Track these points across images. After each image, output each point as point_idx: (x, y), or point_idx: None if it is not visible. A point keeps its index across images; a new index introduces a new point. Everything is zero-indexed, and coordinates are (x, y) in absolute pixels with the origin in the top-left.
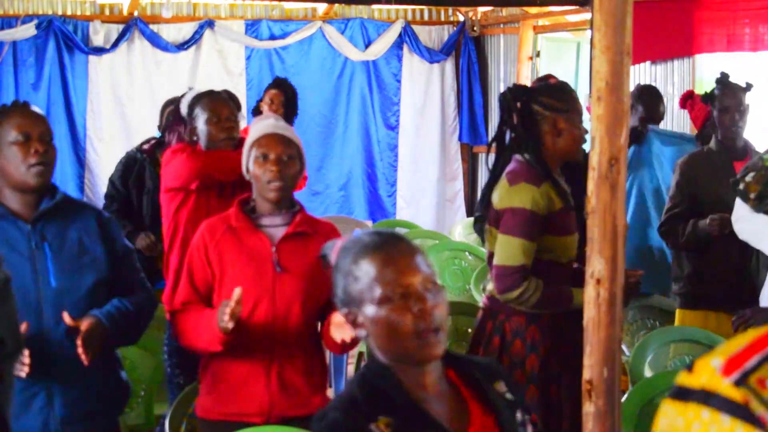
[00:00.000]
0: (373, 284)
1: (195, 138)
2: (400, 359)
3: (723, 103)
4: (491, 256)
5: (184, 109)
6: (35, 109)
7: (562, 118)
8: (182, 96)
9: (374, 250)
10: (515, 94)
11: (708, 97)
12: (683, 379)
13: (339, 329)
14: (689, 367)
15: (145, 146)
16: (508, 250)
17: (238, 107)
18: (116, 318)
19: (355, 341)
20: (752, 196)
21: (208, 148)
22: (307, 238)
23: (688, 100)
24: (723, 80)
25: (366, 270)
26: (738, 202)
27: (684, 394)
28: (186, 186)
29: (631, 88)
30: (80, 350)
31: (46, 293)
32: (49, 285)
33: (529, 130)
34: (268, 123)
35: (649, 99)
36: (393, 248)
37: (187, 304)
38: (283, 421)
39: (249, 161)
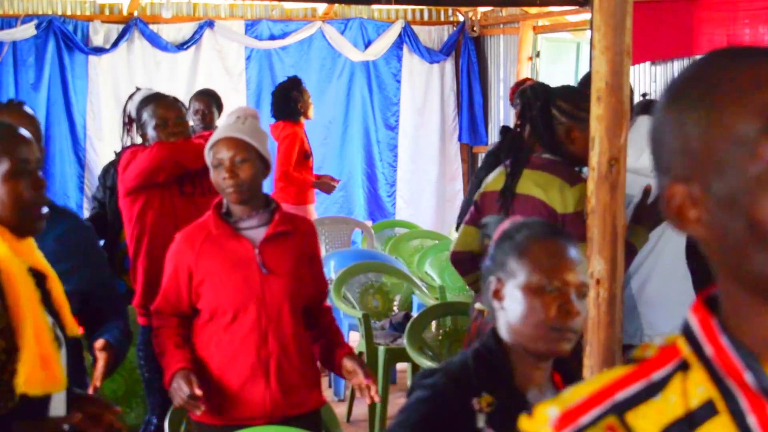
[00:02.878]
0: (534, 268)
1: (146, 143)
2: (525, 345)
3: None
4: None
5: (132, 111)
6: (26, 110)
7: (578, 128)
8: (130, 97)
9: (548, 239)
10: (536, 93)
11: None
12: (523, 423)
13: (350, 376)
14: (530, 411)
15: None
16: (466, 238)
17: (219, 106)
18: (122, 347)
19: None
20: None
21: None
22: (287, 236)
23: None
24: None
25: (533, 252)
26: None
27: None
28: (152, 180)
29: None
30: (98, 376)
31: None
32: None
33: (547, 131)
34: (226, 124)
35: None
36: (565, 244)
37: (160, 312)
38: (284, 420)
39: (210, 166)
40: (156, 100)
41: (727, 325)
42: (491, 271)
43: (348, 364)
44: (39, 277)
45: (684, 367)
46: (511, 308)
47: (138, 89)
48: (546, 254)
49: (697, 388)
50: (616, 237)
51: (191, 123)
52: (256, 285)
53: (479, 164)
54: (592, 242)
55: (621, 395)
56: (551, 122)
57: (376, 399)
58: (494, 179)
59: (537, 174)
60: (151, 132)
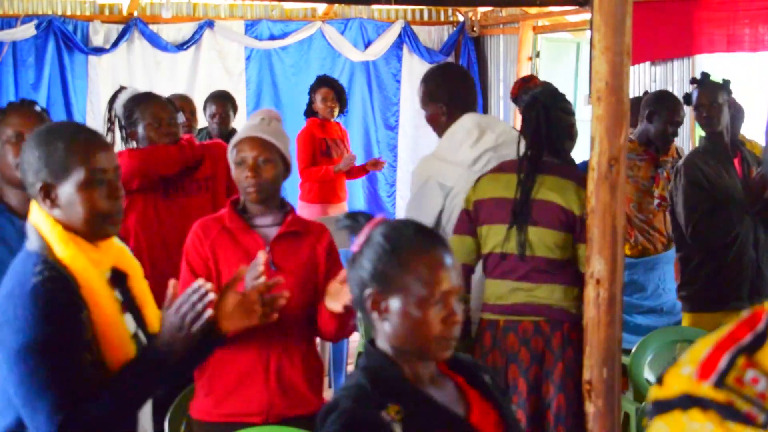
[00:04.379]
0: (419, 281)
1: (134, 143)
2: (412, 353)
3: (696, 102)
4: (561, 264)
5: (119, 110)
6: (36, 108)
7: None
8: (114, 96)
9: (429, 249)
10: (546, 98)
11: (686, 98)
12: (656, 393)
13: (334, 298)
14: (659, 381)
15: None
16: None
17: (235, 109)
18: None
19: (347, 316)
20: None
21: None
22: (299, 237)
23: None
24: (697, 79)
25: (415, 264)
26: None
27: (664, 407)
28: (126, 188)
29: (632, 88)
30: None
31: None
32: None
33: (554, 129)
34: (251, 124)
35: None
36: (443, 252)
37: None
38: (282, 421)
39: (232, 164)
40: (149, 99)
41: None
42: (367, 281)
43: (333, 287)
44: (121, 278)
45: None
46: (393, 321)
47: (122, 88)
48: (427, 265)
49: None
50: (616, 237)
51: (207, 125)
52: (265, 281)
53: None
54: (592, 242)
55: (741, 342)
56: (560, 123)
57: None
58: (484, 187)
59: (549, 178)
60: (142, 131)
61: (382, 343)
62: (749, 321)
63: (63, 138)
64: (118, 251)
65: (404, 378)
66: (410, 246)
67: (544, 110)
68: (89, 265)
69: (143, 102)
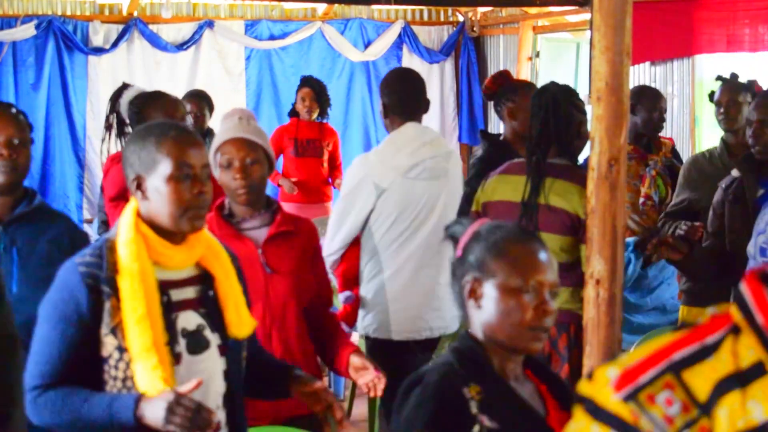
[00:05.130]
0: (514, 269)
1: None
2: (501, 343)
3: (717, 99)
4: (568, 266)
5: (124, 107)
6: (12, 111)
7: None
8: (117, 95)
9: (524, 240)
10: (558, 91)
11: (711, 96)
12: (582, 386)
13: (359, 373)
14: (589, 375)
15: None
16: None
17: (211, 108)
18: None
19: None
20: None
21: None
22: (290, 236)
23: None
24: (722, 77)
25: (511, 253)
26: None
27: (581, 401)
28: (126, 194)
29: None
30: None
31: None
32: (9, 291)
33: (566, 128)
34: (231, 125)
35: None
36: (538, 245)
37: None
38: (290, 421)
39: (215, 167)
40: (162, 98)
41: None
42: (466, 270)
43: (356, 360)
44: (205, 280)
45: (736, 331)
46: (488, 307)
47: (126, 85)
48: (522, 255)
49: (747, 351)
50: (616, 237)
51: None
52: (261, 285)
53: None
54: (592, 242)
55: (677, 356)
56: (570, 119)
57: (379, 393)
58: (495, 187)
59: (557, 183)
60: None
61: (476, 332)
62: (704, 329)
63: (155, 133)
64: (207, 252)
65: (489, 363)
66: (508, 237)
67: (553, 103)
68: (142, 267)
69: (156, 100)
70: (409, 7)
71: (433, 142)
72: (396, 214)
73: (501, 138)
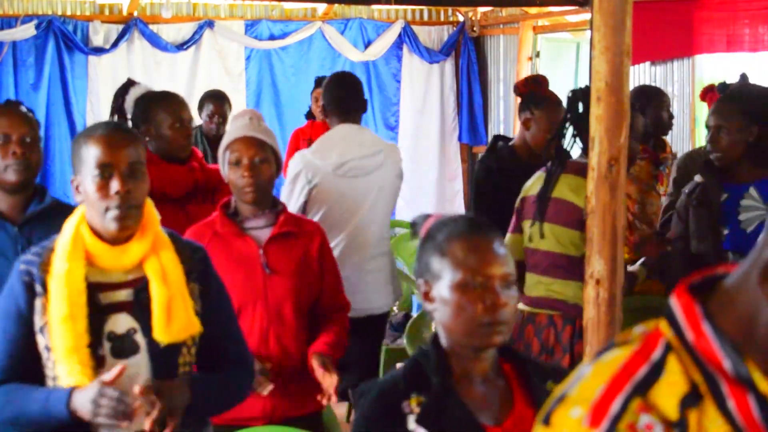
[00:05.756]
0: (456, 267)
1: (147, 139)
2: (459, 341)
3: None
4: (579, 260)
5: (130, 105)
6: (22, 109)
7: None
8: (123, 91)
9: (467, 235)
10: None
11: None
12: None
13: (321, 377)
14: (546, 421)
15: None
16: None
17: (230, 107)
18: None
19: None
20: None
21: (166, 152)
22: (292, 237)
23: (708, 93)
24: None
25: (453, 251)
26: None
27: None
28: None
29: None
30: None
31: None
32: None
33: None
34: (242, 124)
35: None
36: (485, 238)
37: None
38: (284, 422)
39: (224, 165)
40: (169, 98)
41: (711, 311)
42: (419, 273)
43: (314, 362)
44: (138, 284)
45: (670, 348)
46: (441, 309)
47: (130, 83)
48: (466, 250)
49: (690, 369)
50: (616, 237)
51: (202, 125)
52: (259, 284)
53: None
54: (592, 242)
55: (635, 379)
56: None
57: (324, 402)
58: (533, 183)
59: (571, 178)
60: (165, 131)
61: (440, 334)
62: (645, 347)
63: (85, 134)
64: (151, 253)
65: (442, 370)
66: (450, 234)
67: (585, 105)
68: (70, 268)
69: (166, 100)
70: (409, 7)
71: (363, 143)
72: (326, 207)
73: (510, 144)
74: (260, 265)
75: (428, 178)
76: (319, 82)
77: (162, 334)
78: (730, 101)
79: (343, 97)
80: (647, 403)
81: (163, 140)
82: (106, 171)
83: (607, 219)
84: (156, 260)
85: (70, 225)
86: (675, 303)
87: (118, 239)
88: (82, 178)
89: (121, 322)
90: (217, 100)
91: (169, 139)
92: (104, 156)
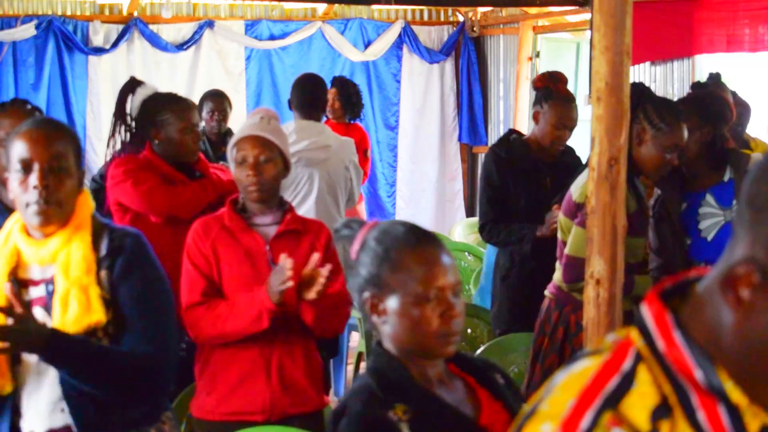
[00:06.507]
0: (412, 280)
1: (156, 142)
2: (414, 352)
3: None
4: (563, 244)
5: (136, 106)
6: (27, 107)
7: (650, 134)
8: (129, 91)
9: (419, 247)
10: (634, 92)
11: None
12: None
13: (308, 286)
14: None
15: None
16: (582, 242)
17: (230, 106)
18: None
19: (324, 307)
20: None
21: (174, 156)
22: (298, 235)
23: None
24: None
25: (406, 263)
26: None
27: None
28: (142, 214)
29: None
30: None
31: None
32: None
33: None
34: (251, 123)
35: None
36: (436, 249)
37: (207, 295)
38: (284, 419)
39: (231, 162)
40: (178, 102)
41: (683, 319)
42: (363, 286)
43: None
44: (50, 278)
45: (640, 358)
46: (393, 322)
47: (135, 83)
48: (418, 264)
49: (660, 379)
50: (616, 237)
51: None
52: (266, 278)
53: (480, 164)
54: (592, 242)
55: (606, 391)
56: (632, 122)
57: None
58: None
59: (582, 173)
60: (174, 134)
61: (388, 345)
62: (615, 357)
63: (14, 131)
64: (65, 247)
65: (411, 378)
66: (400, 245)
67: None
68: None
69: (175, 103)
70: (409, 7)
71: (312, 137)
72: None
73: (523, 138)
74: (266, 260)
75: (428, 178)
76: (334, 82)
77: (61, 326)
78: (685, 102)
79: (305, 97)
80: (618, 416)
81: (172, 144)
82: (27, 166)
83: (607, 219)
84: (65, 253)
85: (9, 222)
86: (646, 311)
87: (44, 235)
88: (10, 174)
89: (37, 318)
90: (216, 98)
91: (177, 143)
92: (25, 152)
